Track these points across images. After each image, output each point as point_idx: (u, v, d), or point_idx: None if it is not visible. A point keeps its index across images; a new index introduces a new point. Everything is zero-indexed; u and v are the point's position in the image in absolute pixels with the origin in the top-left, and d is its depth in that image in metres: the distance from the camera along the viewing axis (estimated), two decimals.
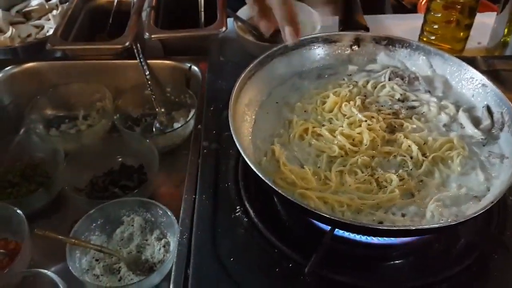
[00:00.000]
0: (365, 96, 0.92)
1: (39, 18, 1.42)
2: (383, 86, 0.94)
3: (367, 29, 1.14)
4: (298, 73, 0.98)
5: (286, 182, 0.77)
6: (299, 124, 0.86)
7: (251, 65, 0.90)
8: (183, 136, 1.10)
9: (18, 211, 0.89)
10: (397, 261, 0.77)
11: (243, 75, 0.87)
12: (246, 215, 0.80)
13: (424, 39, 1.23)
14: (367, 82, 0.95)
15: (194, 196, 0.84)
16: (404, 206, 0.74)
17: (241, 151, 0.74)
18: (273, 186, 0.69)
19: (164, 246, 0.89)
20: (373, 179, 0.77)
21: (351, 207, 0.73)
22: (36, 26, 1.39)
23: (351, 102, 0.89)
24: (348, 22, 1.19)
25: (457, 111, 0.88)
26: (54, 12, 1.42)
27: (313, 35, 1.01)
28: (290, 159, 0.81)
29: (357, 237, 0.77)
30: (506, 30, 1.22)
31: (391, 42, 0.98)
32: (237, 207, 0.82)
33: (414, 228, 0.68)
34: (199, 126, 0.98)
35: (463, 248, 0.77)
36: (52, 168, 1.04)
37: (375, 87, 0.94)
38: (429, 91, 0.93)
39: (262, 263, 0.75)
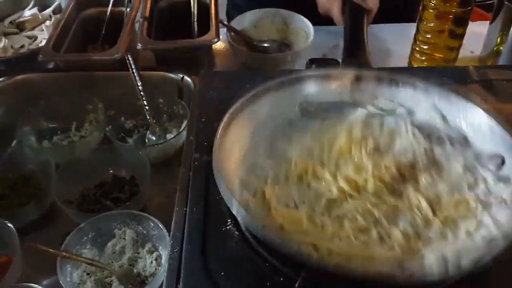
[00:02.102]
0: (380, 139, 0.82)
1: (33, 29, 1.41)
2: (404, 132, 0.83)
3: (369, 66, 1.02)
4: (295, 110, 0.88)
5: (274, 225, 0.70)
6: (299, 164, 0.78)
7: (240, 102, 0.83)
8: (176, 147, 1.09)
9: (9, 224, 0.88)
10: None
11: (230, 112, 0.81)
12: (237, 228, 0.79)
13: (417, 48, 1.23)
14: (382, 124, 0.84)
15: (185, 209, 0.84)
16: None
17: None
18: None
19: (156, 259, 0.88)
20: (374, 230, 0.67)
21: (341, 256, 0.64)
22: (29, 37, 1.39)
23: (363, 146, 0.79)
24: (352, 55, 1.05)
25: (476, 167, 0.77)
26: (48, 22, 1.42)
27: (309, 71, 0.92)
28: (282, 200, 0.73)
29: None
30: (498, 39, 1.22)
31: (395, 82, 0.87)
32: (228, 220, 0.81)
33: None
34: (190, 138, 0.97)
35: None
36: (44, 181, 1.03)
37: (392, 133, 0.83)
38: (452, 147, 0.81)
39: (252, 277, 0.74)
